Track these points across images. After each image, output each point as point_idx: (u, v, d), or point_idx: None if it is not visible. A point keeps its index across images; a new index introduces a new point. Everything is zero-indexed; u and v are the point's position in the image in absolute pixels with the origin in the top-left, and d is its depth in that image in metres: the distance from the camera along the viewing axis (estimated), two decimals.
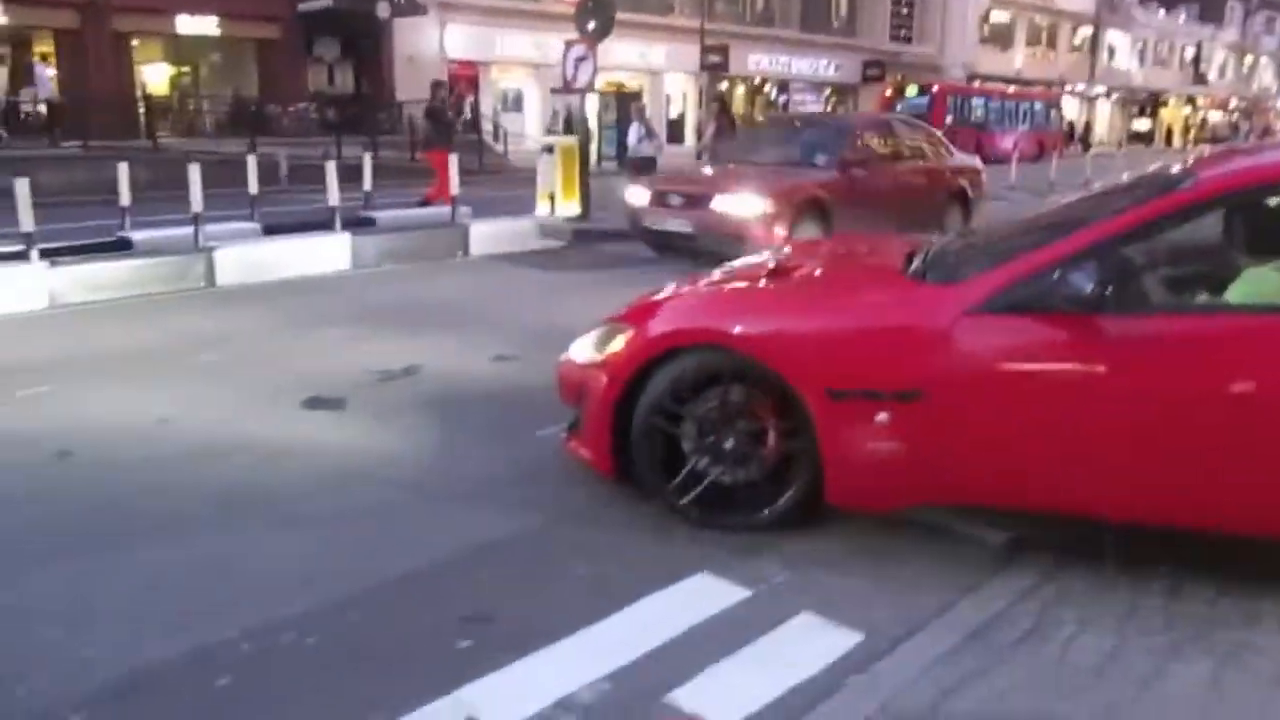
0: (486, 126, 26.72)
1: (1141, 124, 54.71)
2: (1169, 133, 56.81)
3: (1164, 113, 58.71)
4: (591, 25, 12.11)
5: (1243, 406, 3.05)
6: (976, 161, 12.46)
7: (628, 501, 3.91)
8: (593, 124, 29.28)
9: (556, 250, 10.96)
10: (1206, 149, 7.11)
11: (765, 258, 4.86)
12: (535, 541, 3.68)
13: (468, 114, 26.10)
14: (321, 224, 10.22)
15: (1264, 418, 3.03)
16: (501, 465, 4.39)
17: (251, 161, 10.20)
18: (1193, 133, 57.92)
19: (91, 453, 4.49)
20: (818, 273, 4.44)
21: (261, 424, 4.93)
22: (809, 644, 2.98)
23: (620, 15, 31.05)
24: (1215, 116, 62.90)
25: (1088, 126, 48.03)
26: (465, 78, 30.92)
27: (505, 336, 6.72)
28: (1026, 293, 3.25)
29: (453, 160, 10.81)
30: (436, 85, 13.38)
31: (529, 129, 31.48)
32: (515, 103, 32.68)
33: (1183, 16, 61.40)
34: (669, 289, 4.36)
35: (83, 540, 3.63)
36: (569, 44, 12.24)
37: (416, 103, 26.82)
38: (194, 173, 8.62)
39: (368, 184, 11.19)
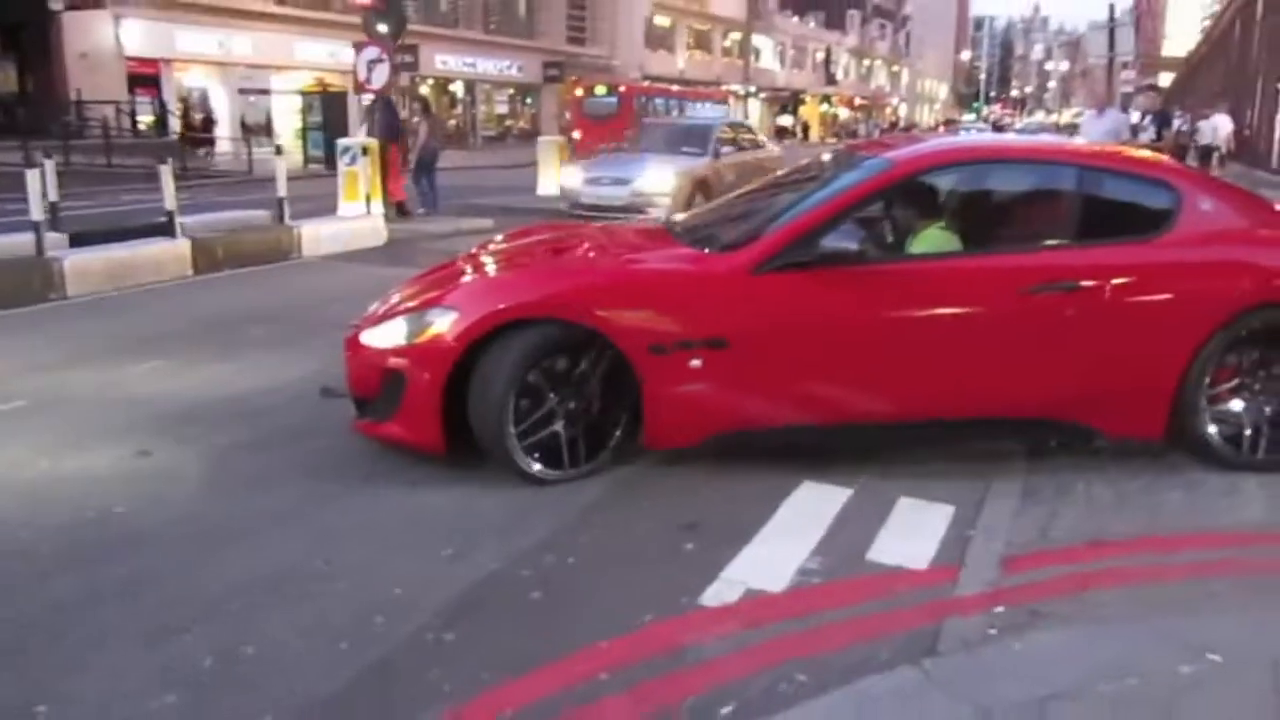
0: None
1: (785, 119, 60.62)
2: (805, 127, 63.44)
3: (803, 110, 65.46)
4: (383, 27, 12.27)
5: (944, 324, 4.27)
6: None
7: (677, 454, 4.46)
8: (292, 125, 28.57)
9: (381, 248, 11.18)
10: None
11: (528, 240, 5.44)
12: (657, 484, 4.34)
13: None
14: (129, 232, 9.85)
15: (954, 329, 4.26)
16: None
17: (49, 164, 9.55)
18: (828, 128, 65.10)
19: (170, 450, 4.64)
20: (618, 253, 4.80)
21: (308, 411, 5.16)
22: (925, 516, 4.03)
23: (306, 13, 30.28)
24: (844, 113, 71.10)
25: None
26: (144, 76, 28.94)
27: None
28: (794, 254, 4.18)
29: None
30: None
31: (221, 130, 29.98)
32: (200, 103, 30.94)
33: (812, 23, 68.77)
34: (447, 271, 4.88)
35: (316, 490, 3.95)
36: (359, 45, 12.27)
37: (102, 103, 24.95)
38: (32, 176, 8.09)
39: (170, 194, 10.76)
